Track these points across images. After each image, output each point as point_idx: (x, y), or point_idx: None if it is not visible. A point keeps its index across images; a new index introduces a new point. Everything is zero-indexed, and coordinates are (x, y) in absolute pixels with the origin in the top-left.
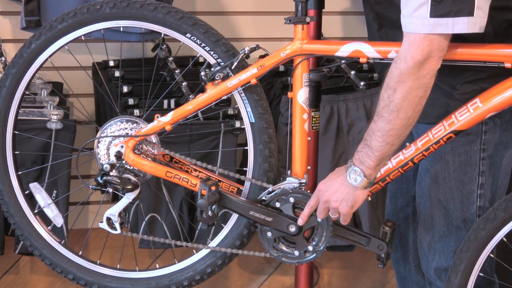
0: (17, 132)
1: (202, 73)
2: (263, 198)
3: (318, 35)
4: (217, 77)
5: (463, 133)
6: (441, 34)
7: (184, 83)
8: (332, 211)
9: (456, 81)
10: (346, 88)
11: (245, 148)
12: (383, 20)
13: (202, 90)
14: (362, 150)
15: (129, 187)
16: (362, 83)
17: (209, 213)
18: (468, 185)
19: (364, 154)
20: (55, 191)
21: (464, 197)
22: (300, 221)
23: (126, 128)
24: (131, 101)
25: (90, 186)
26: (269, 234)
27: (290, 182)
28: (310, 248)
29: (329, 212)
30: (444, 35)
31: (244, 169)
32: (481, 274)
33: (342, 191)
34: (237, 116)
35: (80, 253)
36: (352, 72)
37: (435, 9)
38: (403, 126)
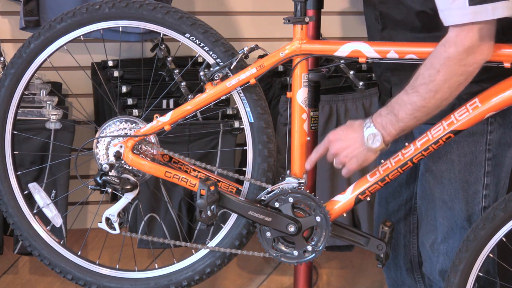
0: (16, 132)
1: (201, 73)
2: (262, 198)
3: (317, 35)
4: (216, 77)
5: (468, 133)
6: (485, 21)
7: (183, 83)
8: (338, 162)
9: None
10: (345, 88)
11: (244, 148)
12: (387, 21)
13: (201, 90)
14: (386, 116)
15: (128, 187)
16: (361, 83)
17: (208, 213)
18: (473, 185)
19: (388, 121)
20: (54, 191)
21: (469, 197)
22: (308, 166)
23: (125, 128)
24: (130, 101)
25: (89, 186)
26: (268, 234)
27: (289, 182)
28: (309, 248)
29: (334, 160)
30: (488, 22)
31: (243, 169)
32: (480, 274)
33: (355, 149)
34: (236, 116)
35: (79, 253)
36: (351, 72)
37: None
38: (436, 106)
